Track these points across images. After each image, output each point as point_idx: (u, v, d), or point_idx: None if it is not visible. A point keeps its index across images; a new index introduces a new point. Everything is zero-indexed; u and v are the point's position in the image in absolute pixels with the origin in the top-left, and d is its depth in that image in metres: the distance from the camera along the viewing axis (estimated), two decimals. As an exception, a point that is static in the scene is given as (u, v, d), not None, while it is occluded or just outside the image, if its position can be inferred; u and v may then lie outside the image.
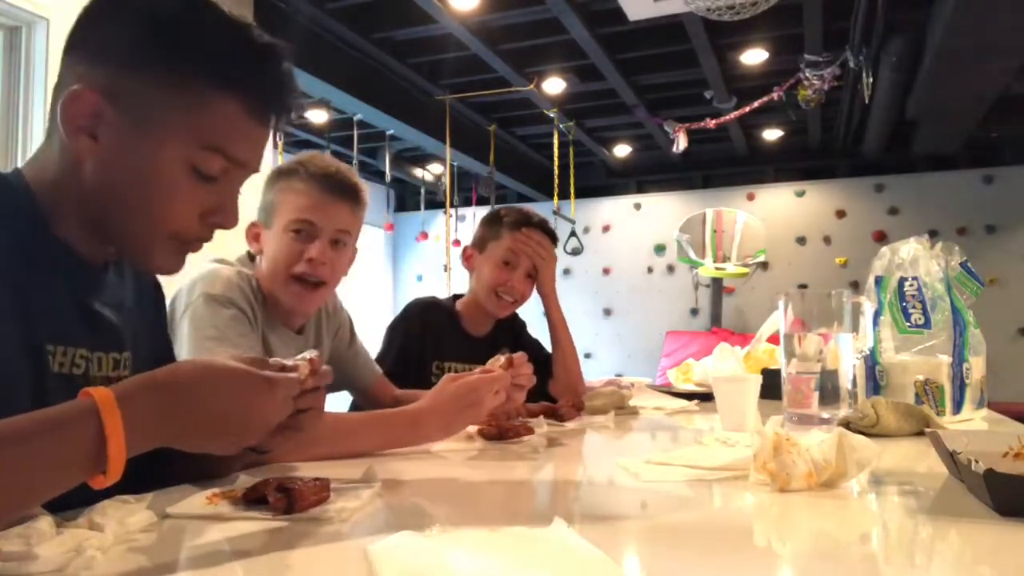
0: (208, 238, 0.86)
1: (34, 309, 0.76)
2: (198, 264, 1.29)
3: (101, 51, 0.78)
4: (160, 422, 0.66)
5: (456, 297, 2.00)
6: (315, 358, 0.82)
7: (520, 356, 1.31)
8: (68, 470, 0.61)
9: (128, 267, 0.94)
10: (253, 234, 1.39)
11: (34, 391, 0.75)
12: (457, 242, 6.07)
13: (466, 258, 1.96)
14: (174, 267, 0.86)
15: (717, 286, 6.95)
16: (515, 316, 2.07)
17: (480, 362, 1.87)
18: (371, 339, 1.86)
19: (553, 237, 1.97)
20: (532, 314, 2.05)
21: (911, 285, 1.52)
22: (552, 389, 1.93)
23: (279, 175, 1.38)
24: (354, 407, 1.68)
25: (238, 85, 0.80)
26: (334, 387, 1.56)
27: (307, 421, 0.84)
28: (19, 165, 0.85)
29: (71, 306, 0.82)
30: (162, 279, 0.99)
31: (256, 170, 0.87)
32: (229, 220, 0.85)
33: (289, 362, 0.80)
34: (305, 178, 1.34)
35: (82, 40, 0.80)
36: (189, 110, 0.78)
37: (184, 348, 1.19)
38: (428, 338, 1.84)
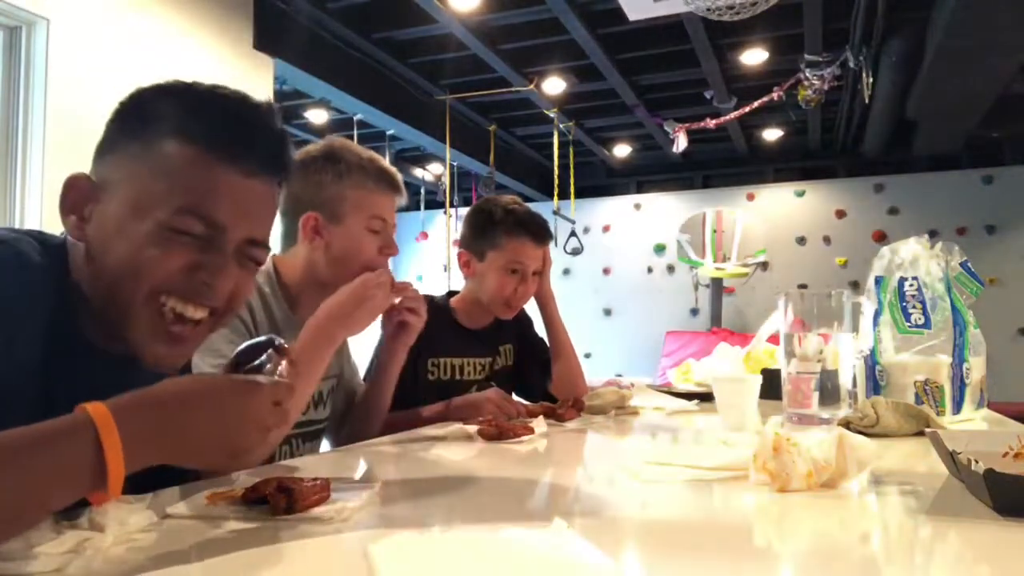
0: (199, 294, 0.83)
1: (56, 401, 0.75)
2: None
3: (100, 150, 0.83)
4: (156, 437, 0.65)
5: (451, 294, 1.98)
6: (283, 346, 0.80)
7: (404, 282, 1.39)
8: (65, 486, 0.60)
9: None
10: (313, 227, 1.37)
11: None
12: (457, 242, 6.06)
13: (464, 265, 1.91)
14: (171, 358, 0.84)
15: (717, 286, 6.95)
16: (520, 311, 2.06)
17: (475, 356, 1.88)
18: (371, 338, 1.86)
19: (550, 235, 1.92)
20: (531, 314, 2.05)
21: (911, 285, 1.52)
22: (552, 389, 1.93)
23: (342, 171, 1.38)
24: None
25: (217, 142, 0.80)
26: (337, 403, 1.56)
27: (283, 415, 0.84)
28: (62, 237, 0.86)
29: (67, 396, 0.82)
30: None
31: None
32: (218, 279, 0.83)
33: (257, 361, 0.78)
34: (374, 174, 1.40)
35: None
36: (159, 175, 0.80)
37: None
38: (422, 337, 1.83)
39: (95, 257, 0.80)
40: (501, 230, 1.83)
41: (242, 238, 0.83)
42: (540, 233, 1.86)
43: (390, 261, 1.44)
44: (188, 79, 0.85)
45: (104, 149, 0.82)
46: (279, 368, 0.77)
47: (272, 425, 0.74)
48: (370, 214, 1.38)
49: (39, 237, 0.81)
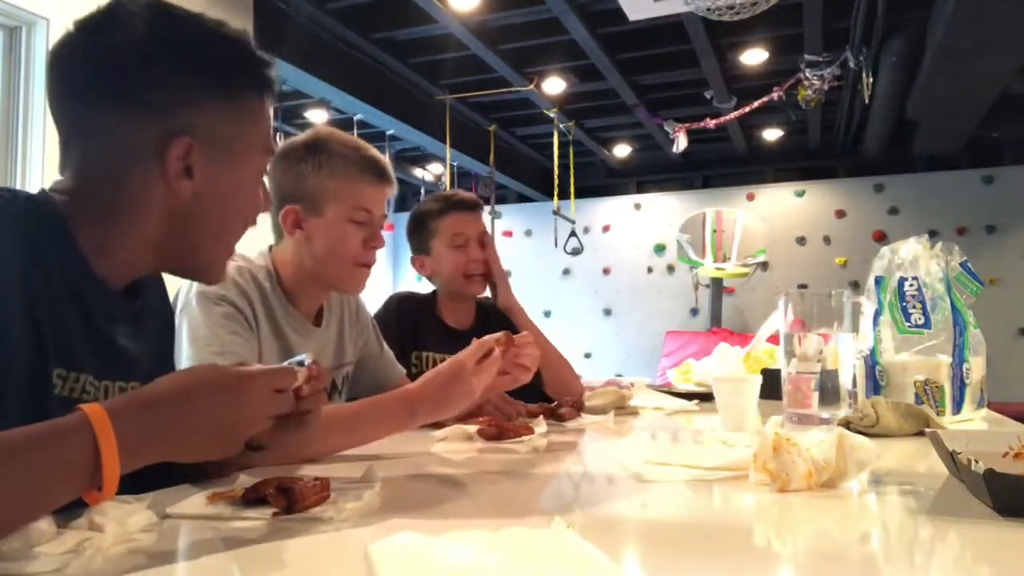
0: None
1: (46, 333, 0.76)
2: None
3: (168, 99, 0.82)
4: (150, 438, 0.66)
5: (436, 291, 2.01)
6: (312, 365, 0.82)
7: (523, 336, 1.28)
8: (61, 486, 0.61)
9: (149, 295, 0.95)
10: (293, 221, 1.34)
11: (34, 413, 0.75)
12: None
13: (419, 267, 1.95)
14: (224, 278, 0.98)
15: (717, 286, 6.95)
16: (503, 312, 2.07)
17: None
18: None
19: (479, 203, 1.99)
20: (532, 314, 2.05)
21: (911, 285, 1.52)
22: (547, 391, 1.93)
23: (322, 160, 1.34)
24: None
25: (266, 88, 0.90)
26: (361, 392, 1.56)
27: (305, 423, 0.84)
28: (42, 189, 0.85)
29: (84, 331, 0.82)
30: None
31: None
32: (266, 205, 0.95)
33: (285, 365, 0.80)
34: (358, 162, 1.35)
35: (118, 89, 0.82)
36: (251, 126, 0.88)
37: (182, 349, 1.19)
38: (405, 329, 1.84)
39: (198, 204, 0.85)
40: (431, 217, 1.92)
41: None
42: (466, 202, 1.95)
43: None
44: None
45: (186, 101, 0.83)
46: (299, 379, 0.78)
47: (275, 411, 0.74)
48: (353, 204, 1.34)
49: (10, 191, 0.80)
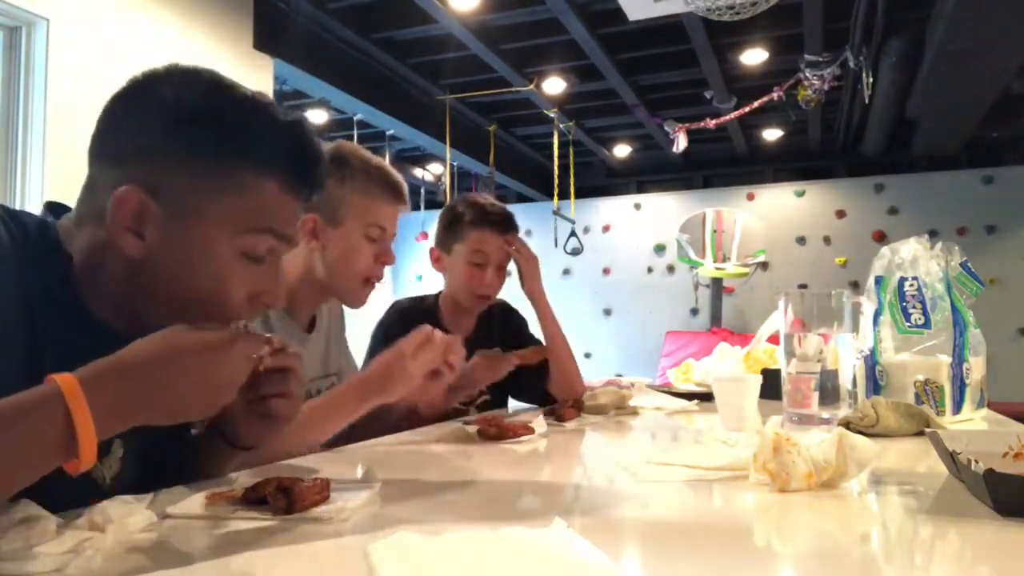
0: (252, 319, 0.87)
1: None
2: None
3: (133, 151, 0.78)
4: (128, 402, 0.66)
5: (440, 294, 2.00)
6: (272, 336, 0.83)
7: (452, 338, 1.26)
8: (39, 457, 0.61)
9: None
10: (310, 230, 1.36)
11: None
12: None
13: (435, 260, 1.95)
14: None
15: (717, 286, 6.95)
16: (511, 313, 2.07)
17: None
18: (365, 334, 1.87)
19: (514, 226, 1.93)
20: (530, 313, 2.05)
21: (911, 285, 1.52)
22: (551, 389, 1.93)
23: (346, 175, 1.36)
24: None
25: (277, 165, 0.81)
26: None
27: (280, 406, 0.85)
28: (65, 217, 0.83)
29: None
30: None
31: (296, 244, 0.88)
32: (277, 300, 0.86)
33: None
34: (379, 181, 1.38)
35: (112, 143, 0.80)
36: (233, 196, 0.79)
37: None
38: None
39: (152, 268, 0.79)
40: (465, 223, 1.88)
41: (288, 251, 0.89)
42: (502, 223, 1.89)
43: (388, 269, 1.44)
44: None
45: (153, 156, 0.78)
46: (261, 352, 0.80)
47: (245, 376, 0.75)
48: (370, 221, 1.37)
49: (9, 212, 0.78)
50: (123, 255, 0.77)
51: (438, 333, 1.20)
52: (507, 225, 1.90)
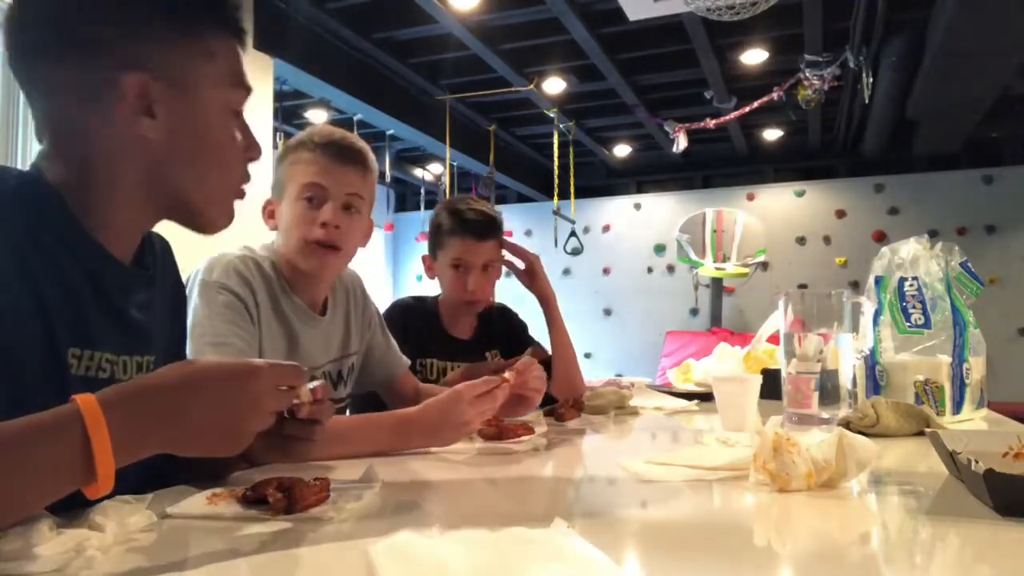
0: (248, 179, 0.91)
1: (56, 311, 0.75)
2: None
3: (114, 37, 0.79)
4: (149, 425, 0.65)
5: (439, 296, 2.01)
6: (319, 387, 0.83)
7: (526, 362, 1.30)
8: (57, 480, 0.60)
9: (159, 262, 0.94)
10: (268, 212, 1.41)
11: (54, 394, 0.73)
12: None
13: (427, 268, 1.95)
14: (230, 220, 0.90)
15: (717, 286, 6.95)
16: (510, 317, 2.07)
17: (464, 361, 1.89)
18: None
19: (494, 231, 1.87)
20: (530, 313, 2.05)
21: (911, 285, 1.52)
22: (552, 389, 1.93)
23: (287, 149, 1.40)
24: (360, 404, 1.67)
25: (230, 23, 0.87)
26: (367, 386, 1.59)
27: (298, 449, 0.86)
28: (29, 166, 0.84)
29: (99, 307, 0.81)
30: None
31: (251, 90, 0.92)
32: (258, 150, 0.91)
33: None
34: (312, 147, 1.36)
35: (87, 36, 0.79)
36: (209, 61, 0.84)
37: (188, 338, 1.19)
38: (410, 337, 1.84)
39: (171, 145, 0.82)
40: (444, 230, 1.87)
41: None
42: (477, 229, 1.84)
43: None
44: None
45: (140, 38, 0.80)
46: (303, 398, 0.80)
47: (274, 407, 0.74)
48: (303, 182, 1.34)
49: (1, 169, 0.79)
50: (138, 148, 0.80)
51: (504, 387, 1.22)
52: (485, 230, 1.85)
